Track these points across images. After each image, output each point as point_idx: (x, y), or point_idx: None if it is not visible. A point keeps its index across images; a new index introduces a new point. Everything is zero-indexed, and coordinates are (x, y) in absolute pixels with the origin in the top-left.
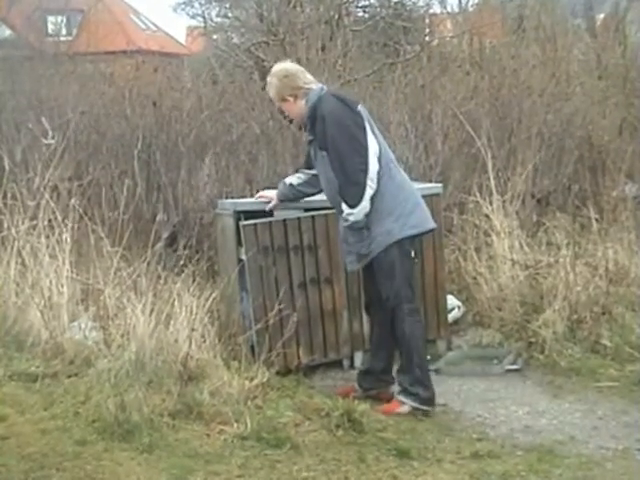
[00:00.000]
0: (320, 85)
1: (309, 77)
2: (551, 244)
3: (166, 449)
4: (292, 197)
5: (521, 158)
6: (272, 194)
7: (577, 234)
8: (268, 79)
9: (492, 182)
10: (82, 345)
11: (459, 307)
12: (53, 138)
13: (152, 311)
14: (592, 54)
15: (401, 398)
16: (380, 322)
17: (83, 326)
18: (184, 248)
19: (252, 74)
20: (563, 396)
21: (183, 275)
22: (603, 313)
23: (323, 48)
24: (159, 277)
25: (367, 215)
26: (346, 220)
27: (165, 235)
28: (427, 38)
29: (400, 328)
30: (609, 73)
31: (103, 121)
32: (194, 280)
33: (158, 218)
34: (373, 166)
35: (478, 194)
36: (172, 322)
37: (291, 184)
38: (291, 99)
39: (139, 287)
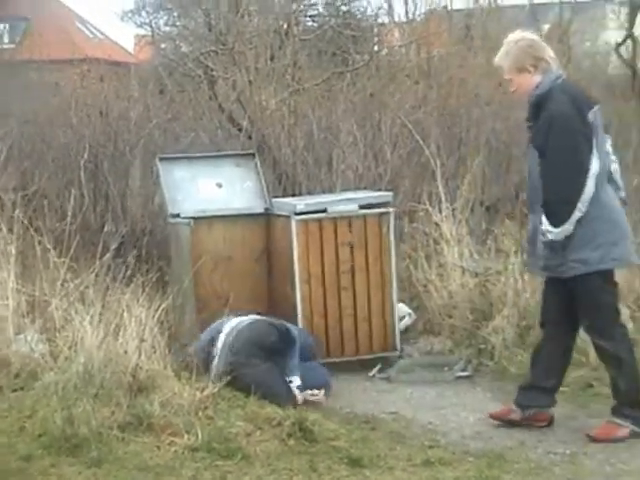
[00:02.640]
0: (559, 72)
1: (552, 53)
2: (500, 251)
3: (115, 462)
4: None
5: (470, 166)
6: None
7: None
8: (503, 44)
9: (441, 190)
10: (28, 358)
11: (410, 315)
12: None
13: (100, 322)
14: None
15: (619, 421)
16: (555, 341)
17: (29, 339)
18: (133, 259)
19: (200, 83)
20: (512, 402)
21: (132, 286)
22: None
23: (272, 57)
24: (108, 288)
25: (568, 237)
26: (543, 235)
27: (114, 246)
28: (376, 47)
29: (615, 356)
30: None
31: (48, 130)
32: (143, 291)
33: (106, 228)
34: (589, 188)
35: (428, 202)
36: (121, 333)
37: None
38: (531, 70)
39: (87, 298)
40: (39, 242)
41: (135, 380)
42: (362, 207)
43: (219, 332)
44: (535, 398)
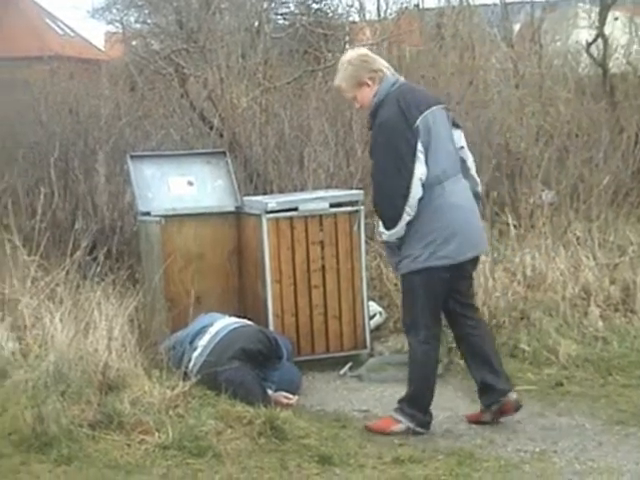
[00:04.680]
0: (395, 77)
1: (386, 63)
2: None
3: (85, 460)
4: None
5: None
6: None
7: (496, 240)
8: (339, 66)
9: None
10: None
11: (380, 313)
12: None
13: (71, 320)
14: (509, 63)
15: (398, 417)
16: (457, 338)
17: None
18: (104, 256)
19: (172, 81)
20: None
21: (103, 284)
22: (521, 318)
23: (243, 55)
24: (78, 286)
25: (400, 238)
26: (380, 236)
27: (84, 244)
28: (347, 46)
29: (413, 354)
30: (525, 82)
31: (18, 128)
32: (114, 288)
33: (77, 226)
34: (415, 192)
35: None
36: (92, 331)
37: None
38: (370, 83)
39: (57, 296)
40: (9, 240)
41: (105, 378)
42: (333, 205)
43: (205, 328)
44: (490, 394)
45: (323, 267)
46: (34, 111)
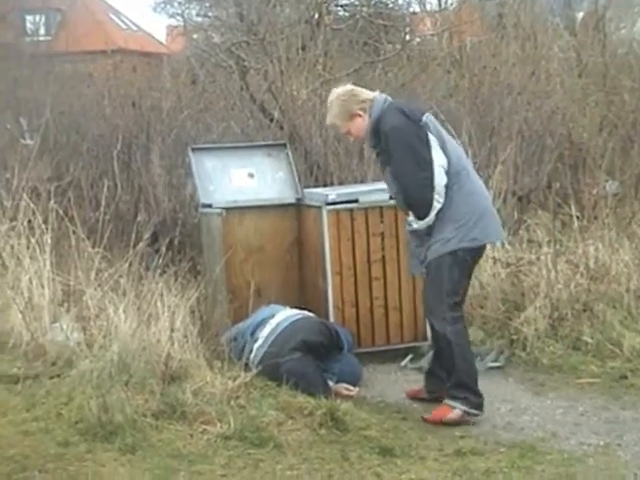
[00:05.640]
0: (383, 96)
1: (370, 92)
2: (532, 242)
3: (149, 449)
4: None
5: (502, 156)
6: None
7: (558, 232)
8: (329, 105)
9: None
10: (64, 346)
11: None
12: (31, 139)
13: (134, 311)
14: (572, 52)
15: (451, 403)
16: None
17: (65, 327)
18: (166, 248)
19: (232, 74)
20: (545, 393)
21: (165, 275)
22: (584, 310)
23: (303, 47)
24: (141, 277)
25: (430, 225)
26: (409, 225)
27: (146, 235)
28: (407, 37)
29: (443, 337)
30: (589, 71)
31: (82, 121)
32: (176, 280)
33: (139, 218)
34: (439, 179)
35: None
36: (154, 322)
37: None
38: (362, 113)
39: (121, 288)
40: (73, 232)
41: (168, 369)
42: (393, 197)
43: (266, 319)
44: (439, 384)
45: (383, 258)
46: (98, 105)
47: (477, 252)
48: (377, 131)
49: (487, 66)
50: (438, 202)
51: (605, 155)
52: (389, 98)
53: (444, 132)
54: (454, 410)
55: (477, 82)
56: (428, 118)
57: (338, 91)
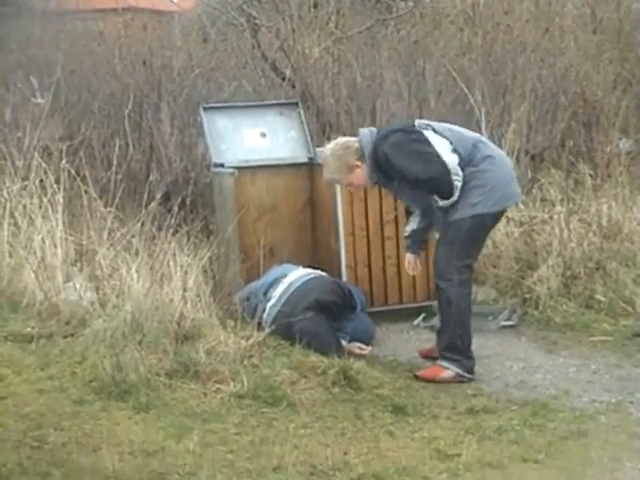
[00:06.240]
0: (366, 130)
1: (357, 140)
2: (545, 200)
3: (163, 408)
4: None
5: (515, 115)
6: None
7: (571, 190)
8: (324, 162)
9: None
10: (77, 306)
11: None
12: (43, 97)
13: (147, 271)
14: (586, 8)
15: (444, 364)
16: None
17: (78, 287)
18: (178, 208)
19: (243, 32)
20: (557, 351)
21: (177, 235)
22: (597, 269)
23: (315, 5)
24: (153, 237)
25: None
26: (435, 202)
27: (159, 195)
28: None
29: (446, 297)
30: (603, 27)
31: (93, 80)
32: (189, 240)
33: (151, 178)
34: (451, 160)
35: None
36: (167, 282)
37: (413, 230)
38: (359, 163)
39: (133, 247)
40: (85, 192)
41: (181, 328)
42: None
43: (279, 279)
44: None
45: (396, 218)
46: (109, 63)
47: (499, 216)
48: (378, 163)
49: (500, 23)
50: (459, 181)
51: (619, 113)
52: (373, 128)
53: (439, 126)
54: (447, 371)
55: (490, 39)
56: (419, 123)
57: (330, 147)
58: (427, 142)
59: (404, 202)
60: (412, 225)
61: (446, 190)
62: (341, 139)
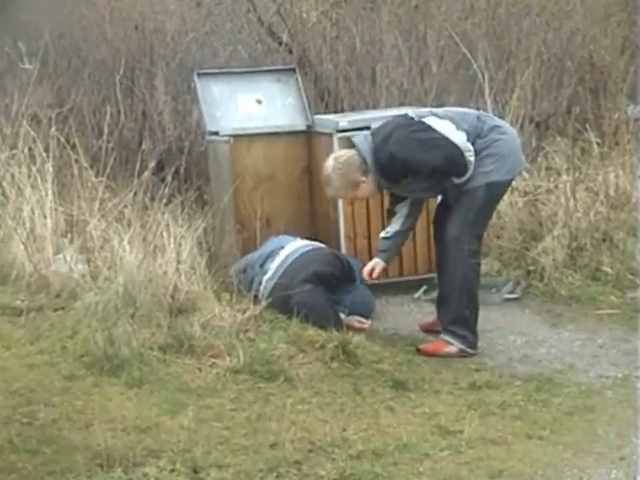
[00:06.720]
0: (360, 136)
1: (355, 152)
2: (551, 169)
3: (157, 383)
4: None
5: (520, 81)
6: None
7: (577, 158)
8: (326, 179)
9: (489, 106)
10: (68, 278)
11: None
12: (31, 63)
13: (139, 242)
14: None
15: (448, 339)
16: None
17: (68, 258)
18: (172, 177)
19: None
20: (563, 324)
21: (171, 205)
22: (604, 239)
23: None
24: (146, 207)
25: None
26: (451, 181)
27: (151, 164)
28: None
29: (453, 266)
30: None
31: (83, 45)
32: (183, 210)
33: (144, 146)
34: (458, 138)
35: None
36: (160, 254)
37: (397, 231)
38: (364, 178)
39: (125, 218)
40: (76, 160)
41: (175, 301)
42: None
43: (276, 250)
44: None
45: None
46: (99, 27)
47: (508, 185)
48: (382, 168)
49: None
50: (471, 156)
51: (627, 78)
52: (366, 132)
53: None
54: (450, 346)
55: (494, 3)
56: (416, 112)
57: (331, 164)
58: (430, 128)
59: (413, 198)
60: (395, 226)
61: (462, 168)
62: (340, 154)
